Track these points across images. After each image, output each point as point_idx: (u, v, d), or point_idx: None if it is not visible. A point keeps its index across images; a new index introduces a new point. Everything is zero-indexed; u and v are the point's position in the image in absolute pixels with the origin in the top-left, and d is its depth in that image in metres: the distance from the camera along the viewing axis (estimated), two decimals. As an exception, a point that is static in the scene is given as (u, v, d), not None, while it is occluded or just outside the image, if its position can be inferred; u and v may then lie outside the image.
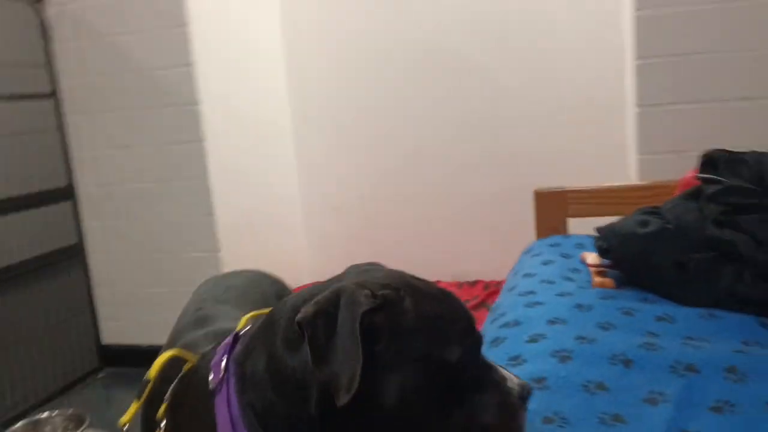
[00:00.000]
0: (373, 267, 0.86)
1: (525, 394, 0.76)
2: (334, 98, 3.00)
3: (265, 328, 0.78)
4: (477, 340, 0.76)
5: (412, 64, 2.84)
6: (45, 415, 1.95)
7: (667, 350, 1.03)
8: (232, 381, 0.76)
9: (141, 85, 2.50)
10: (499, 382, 0.76)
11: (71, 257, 2.67)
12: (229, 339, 0.82)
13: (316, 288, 0.79)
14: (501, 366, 0.79)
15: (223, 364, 0.78)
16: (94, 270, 2.74)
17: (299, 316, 0.69)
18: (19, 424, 1.91)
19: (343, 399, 0.65)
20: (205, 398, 0.78)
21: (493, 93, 2.77)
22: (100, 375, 2.75)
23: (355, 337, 0.66)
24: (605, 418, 0.88)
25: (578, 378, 0.98)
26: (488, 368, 0.77)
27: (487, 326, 1.33)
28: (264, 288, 1.26)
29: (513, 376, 0.77)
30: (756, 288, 1.19)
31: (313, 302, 0.70)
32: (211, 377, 0.78)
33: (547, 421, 0.87)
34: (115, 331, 2.78)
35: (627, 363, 1.00)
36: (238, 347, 0.79)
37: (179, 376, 0.87)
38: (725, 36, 1.92)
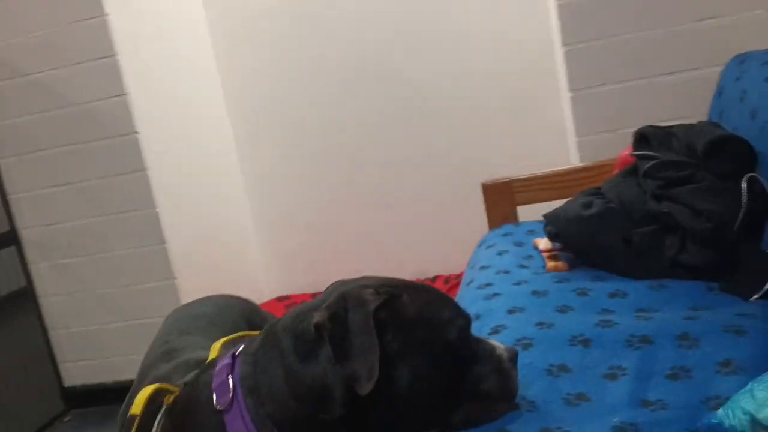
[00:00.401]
0: (354, 279, 0.89)
1: (513, 357, 0.88)
2: (274, 113, 2.99)
3: (268, 347, 0.83)
4: (466, 318, 0.86)
5: (344, 73, 2.86)
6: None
7: (622, 325, 1.07)
8: (241, 397, 0.80)
9: (75, 120, 2.44)
10: (491, 352, 0.86)
11: (21, 302, 2.59)
12: (227, 361, 0.85)
13: (304, 306, 0.85)
14: (486, 338, 0.89)
15: (231, 383, 0.82)
16: (47, 312, 2.66)
17: (315, 320, 0.76)
18: None
19: (365, 388, 0.72)
20: (211, 418, 0.81)
21: (427, 93, 2.81)
22: (67, 418, 2.68)
23: (370, 330, 0.74)
24: (570, 399, 0.91)
25: (541, 363, 1.01)
26: (478, 341, 0.87)
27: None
28: (232, 312, 1.26)
29: (499, 344, 0.88)
30: (699, 255, 1.25)
31: (324, 307, 0.77)
32: (215, 398, 0.82)
33: (516, 407, 0.90)
34: (77, 372, 2.71)
35: (586, 343, 1.04)
36: (240, 368, 0.83)
37: (165, 407, 0.88)
38: (643, 16, 1.99)
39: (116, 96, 2.38)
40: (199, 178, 2.77)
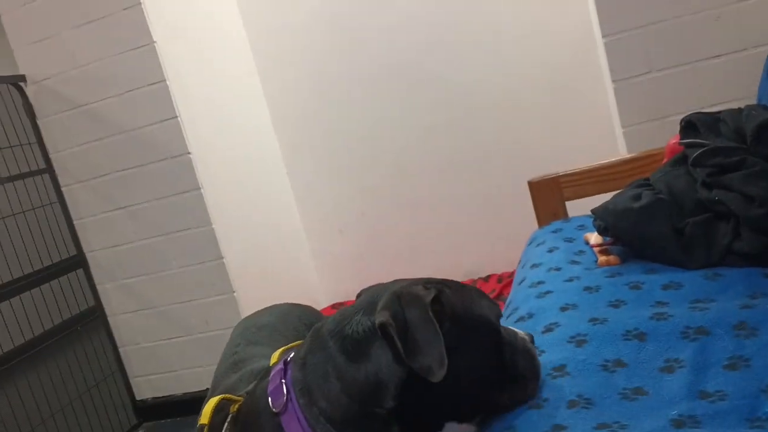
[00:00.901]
0: (388, 283, 0.93)
1: (532, 339, 0.97)
2: (318, 123, 3.05)
3: (316, 350, 0.87)
4: (498, 307, 0.94)
5: (384, 80, 2.91)
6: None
7: (677, 317, 1.07)
8: (295, 399, 0.85)
9: (130, 145, 2.56)
10: (515, 336, 0.94)
11: (92, 322, 2.72)
12: (280, 366, 0.90)
13: (344, 310, 0.89)
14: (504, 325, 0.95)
15: (284, 387, 0.86)
16: (117, 330, 2.78)
17: (379, 321, 0.80)
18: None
19: (439, 376, 0.77)
20: (270, 421, 0.86)
21: (468, 93, 2.83)
22: (140, 431, 2.79)
23: (431, 321, 0.79)
24: (627, 393, 0.92)
25: (596, 359, 1.01)
26: (504, 329, 0.94)
27: (502, 323, 1.36)
28: (293, 320, 1.31)
29: (517, 330, 0.96)
30: (754, 242, 1.22)
31: (382, 308, 0.81)
32: (271, 402, 0.87)
33: (572, 405, 0.91)
34: (148, 385, 2.82)
35: (641, 336, 1.04)
36: (292, 371, 0.88)
37: (230, 415, 0.93)
38: (682, 1, 1.96)
39: (168, 119, 2.48)
40: (251, 192, 2.85)
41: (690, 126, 1.50)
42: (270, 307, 1.41)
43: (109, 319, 2.77)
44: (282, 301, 1.49)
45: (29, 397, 2.44)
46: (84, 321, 2.68)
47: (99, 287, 2.75)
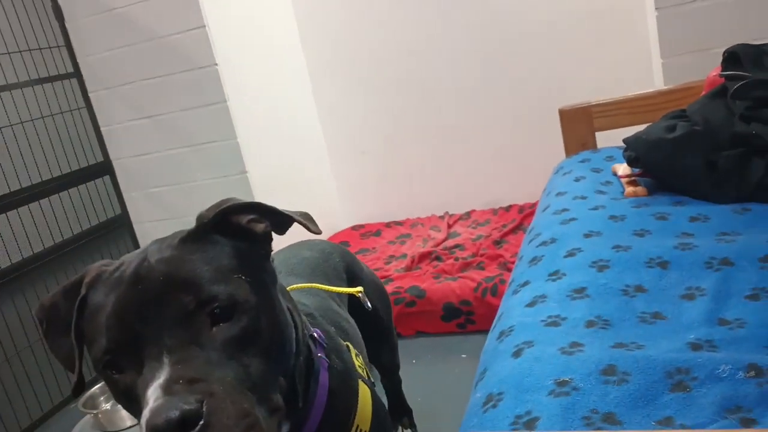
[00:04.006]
0: None
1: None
2: (347, 42, 2.99)
3: None
4: (109, 346, 0.72)
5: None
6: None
7: (702, 248, 1.07)
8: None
9: (158, 53, 2.53)
10: (148, 383, 0.74)
11: (118, 228, 2.78)
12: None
13: None
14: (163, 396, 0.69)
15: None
16: (141, 238, 2.84)
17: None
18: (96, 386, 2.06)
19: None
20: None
21: (502, 16, 2.74)
22: (162, 336, 2.89)
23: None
24: (645, 317, 0.93)
25: (617, 284, 1.02)
26: (148, 386, 0.70)
27: (524, 247, 1.37)
28: (333, 261, 1.30)
29: (149, 411, 0.68)
30: (787, 178, 1.21)
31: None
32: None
33: (590, 324, 0.92)
34: (170, 293, 2.89)
35: (663, 265, 1.04)
36: None
37: None
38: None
39: (196, 28, 2.44)
40: (276, 109, 2.83)
41: (733, 57, 1.45)
42: (307, 241, 1.37)
43: (134, 226, 2.82)
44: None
45: (58, 296, 2.53)
46: (110, 227, 2.73)
47: (125, 195, 2.79)
